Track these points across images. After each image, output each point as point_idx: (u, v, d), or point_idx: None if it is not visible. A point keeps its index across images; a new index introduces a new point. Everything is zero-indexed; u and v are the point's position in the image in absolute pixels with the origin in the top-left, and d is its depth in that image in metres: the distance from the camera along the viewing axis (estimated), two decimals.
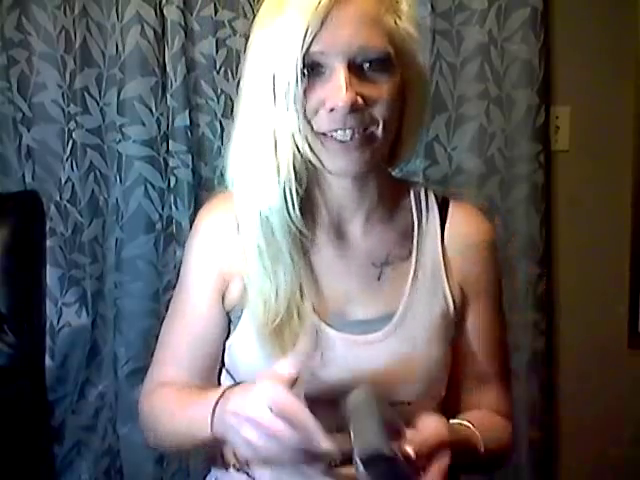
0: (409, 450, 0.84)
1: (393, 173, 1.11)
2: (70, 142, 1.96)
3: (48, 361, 1.85)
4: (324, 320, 1.01)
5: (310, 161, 0.96)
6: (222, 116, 1.98)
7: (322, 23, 0.90)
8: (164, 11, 1.92)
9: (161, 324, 1.13)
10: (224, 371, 1.09)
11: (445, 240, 1.06)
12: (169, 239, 1.99)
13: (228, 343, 1.05)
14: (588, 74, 2.07)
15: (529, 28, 1.99)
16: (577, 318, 2.15)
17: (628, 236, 2.11)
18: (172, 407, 1.03)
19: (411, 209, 1.07)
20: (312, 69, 0.92)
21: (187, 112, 1.95)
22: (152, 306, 1.96)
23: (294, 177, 0.96)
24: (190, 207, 1.97)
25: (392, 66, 0.94)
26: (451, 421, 1.00)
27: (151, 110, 1.93)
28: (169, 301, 1.14)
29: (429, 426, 0.89)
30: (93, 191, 2.00)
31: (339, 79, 0.91)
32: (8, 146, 1.95)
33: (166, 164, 1.97)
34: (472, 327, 1.09)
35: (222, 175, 1.02)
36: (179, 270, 1.13)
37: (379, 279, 1.04)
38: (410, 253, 1.05)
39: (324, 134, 0.94)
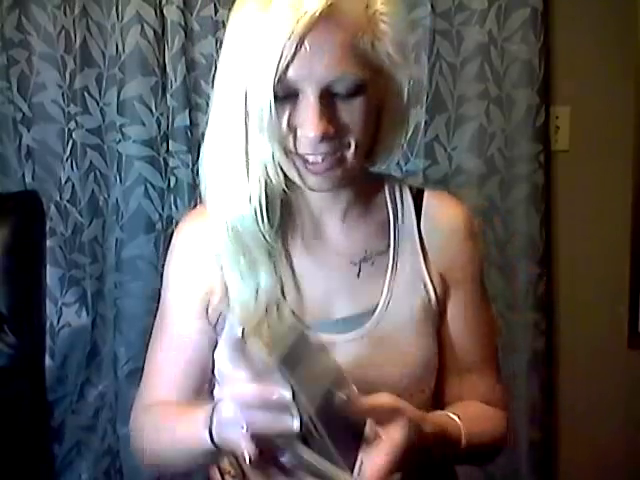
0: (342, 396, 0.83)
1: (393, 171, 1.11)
2: (70, 142, 1.96)
3: (48, 361, 1.86)
4: (303, 322, 1.01)
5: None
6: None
7: (296, 50, 0.88)
8: (164, 11, 1.92)
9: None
10: (216, 384, 1.09)
11: (422, 230, 1.06)
12: (169, 239, 1.98)
13: (216, 355, 1.05)
14: (588, 74, 2.07)
15: (529, 28, 1.99)
16: (577, 318, 2.15)
17: (628, 236, 2.11)
18: (162, 424, 1.02)
19: (386, 203, 1.07)
20: (285, 94, 0.91)
21: (187, 112, 1.95)
22: (152, 306, 1.93)
23: (264, 188, 0.96)
24: (190, 207, 1.96)
25: (366, 89, 0.92)
26: (437, 412, 1.00)
27: (151, 110, 1.94)
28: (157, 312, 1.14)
29: (383, 394, 0.88)
30: (93, 191, 2.00)
31: (311, 109, 0.90)
32: (8, 146, 1.95)
33: (166, 164, 1.97)
34: (455, 315, 1.08)
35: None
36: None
37: (359, 276, 1.04)
38: (388, 247, 1.05)
39: (296, 154, 0.94)
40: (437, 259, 1.06)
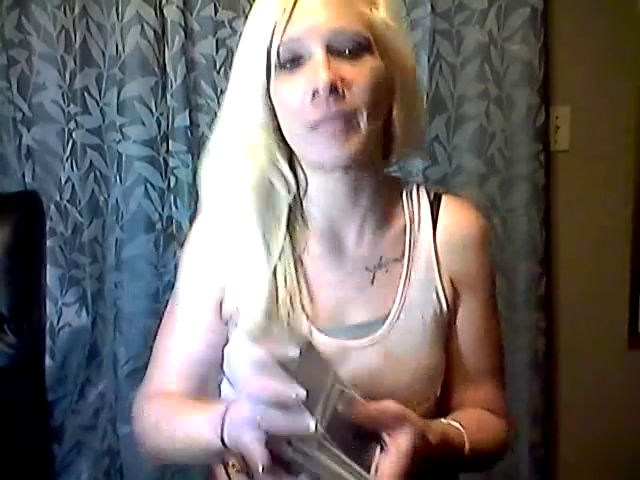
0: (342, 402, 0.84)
1: (391, 171, 1.11)
2: (70, 142, 1.96)
3: (48, 361, 1.85)
4: (317, 327, 1.01)
5: (303, 170, 0.98)
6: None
7: (292, 12, 0.91)
8: (164, 11, 1.92)
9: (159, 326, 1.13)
10: (224, 380, 1.09)
11: (437, 236, 1.06)
12: (169, 239, 1.99)
13: (226, 351, 1.05)
14: (588, 74, 2.07)
15: (529, 28, 1.99)
16: (577, 318, 2.15)
17: (628, 236, 2.11)
18: (172, 416, 1.02)
19: (403, 209, 1.07)
20: (292, 62, 0.93)
21: (187, 112, 1.95)
22: (152, 306, 1.96)
23: (263, 198, 0.98)
24: (190, 207, 1.97)
25: (371, 51, 0.94)
26: (440, 420, 1.00)
27: (151, 110, 1.93)
28: (169, 302, 1.14)
29: (389, 402, 0.88)
30: (93, 191, 2.00)
31: (318, 61, 0.92)
32: (8, 146, 1.95)
33: (166, 164, 1.97)
34: (463, 323, 1.08)
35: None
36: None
37: (372, 283, 1.04)
38: (403, 255, 1.05)
39: (310, 127, 0.94)
40: (450, 269, 1.06)
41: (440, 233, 1.06)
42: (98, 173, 1.99)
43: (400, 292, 1.03)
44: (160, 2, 1.91)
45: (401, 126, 1.00)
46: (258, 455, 0.82)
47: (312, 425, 0.80)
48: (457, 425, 0.99)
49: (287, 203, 1.00)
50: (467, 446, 0.98)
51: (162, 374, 1.08)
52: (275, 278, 1.00)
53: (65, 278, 1.99)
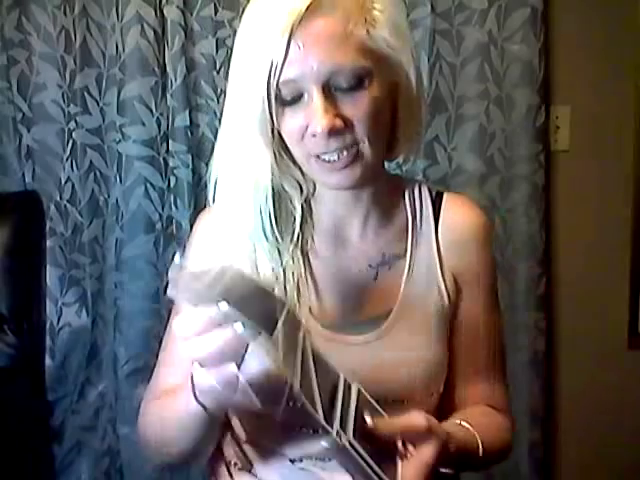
0: (367, 419, 0.83)
1: (392, 171, 1.11)
2: (70, 142, 1.96)
3: (48, 361, 1.86)
4: (321, 323, 1.02)
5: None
6: (222, 116, 1.99)
7: (288, 50, 0.88)
8: (164, 11, 1.92)
9: (162, 324, 1.13)
10: None
11: (439, 233, 1.07)
12: (169, 239, 1.99)
13: None
14: (588, 74, 2.07)
15: (529, 28, 1.99)
16: (577, 318, 2.15)
17: (628, 236, 2.11)
18: (164, 404, 1.02)
19: (406, 206, 1.08)
20: (292, 98, 0.92)
21: (187, 112, 1.95)
22: (152, 306, 1.96)
23: (272, 200, 0.98)
24: (190, 207, 1.97)
25: (370, 78, 0.92)
26: (449, 421, 1.01)
27: (151, 110, 1.93)
28: (169, 301, 1.14)
29: (414, 414, 0.88)
30: (93, 191, 2.00)
31: (315, 105, 0.90)
32: (8, 146, 1.95)
33: (166, 164, 1.97)
34: (465, 319, 1.08)
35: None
36: None
37: (376, 279, 1.05)
38: (405, 251, 1.06)
39: (312, 157, 0.95)
40: (452, 265, 1.06)
41: (442, 230, 1.07)
42: (98, 173, 2.00)
43: (402, 288, 1.04)
44: (160, 2, 1.91)
45: (404, 128, 1.00)
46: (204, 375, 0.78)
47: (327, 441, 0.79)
48: (470, 428, 1.00)
49: (300, 203, 1.01)
50: (480, 449, 0.99)
51: (166, 374, 1.08)
52: (284, 275, 1.01)
53: (65, 278, 1.99)
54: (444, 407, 1.08)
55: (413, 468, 0.85)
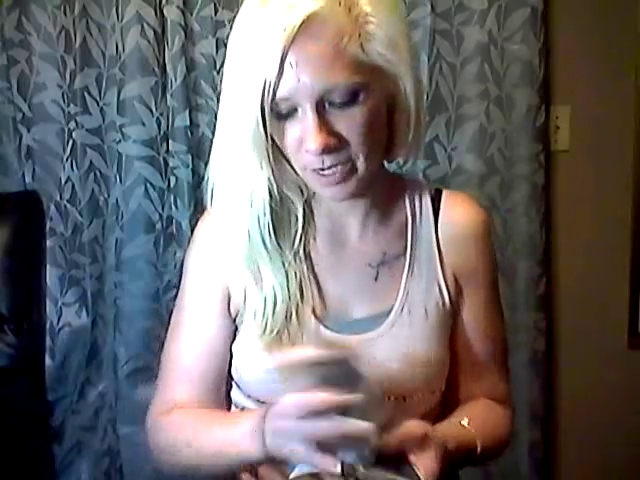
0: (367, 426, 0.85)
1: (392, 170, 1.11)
2: (70, 142, 1.96)
3: (48, 361, 1.85)
4: (323, 323, 1.02)
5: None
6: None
7: (281, 68, 0.88)
8: (164, 11, 1.92)
9: (162, 324, 1.13)
10: (234, 386, 1.09)
11: (439, 231, 1.07)
12: (169, 239, 1.99)
13: (234, 348, 1.06)
14: (588, 74, 2.07)
15: (529, 28, 1.99)
16: (577, 318, 2.15)
17: (628, 236, 2.11)
18: (195, 428, 1.02)
19: (405, 205, 1.08)
20: (287, 113, 0.92)
21: (187, 112, 1.95)
22: (152, 306, 1.96)
23: (270, 207, 0.98)
24: (190, 207, 1.97)
25: (366, 92, 0.91)
26: (449, 420, 1.02)
27: (151, 110, 1.93)
28: (169, 301, 1.14)
29: (411, 423, 0.91)
30: (93, 191, 2.00)
31: (309, 123, 0.90)
32: (8, 146, 1.95)
33: (166, 164, 1.97)
34: (467, 316, 1.09)
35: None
36: (179, 271, 1.14)
37: (376, 279, 1.05)
38: (405, 249, 1.06)
39: (307, 170, 0.95)
40: (453, 262, 1.07)
41: (442, 227, 1.07)
42: (98, 173, 1.99)
43: (403, 286, 1.05)
44: (160, 2, 1.91)
45: (402, 130, 1.00)
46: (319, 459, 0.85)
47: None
48: (468, 426, 1.01)
49: (302, 206, 1.01)
50: (479, 446, 1.00)
51: (175, 382, 1.07)
52: (286, 273, 1.01)
53: (65, 278, 1.99)
54: (447, 402, 1.09)
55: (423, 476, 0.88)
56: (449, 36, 2.00)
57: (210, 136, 1.99)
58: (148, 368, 1.85)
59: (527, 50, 1.99)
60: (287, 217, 1.01)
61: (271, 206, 0.98)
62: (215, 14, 1.95)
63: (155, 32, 1.91)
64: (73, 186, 1.98)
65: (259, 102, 0.89)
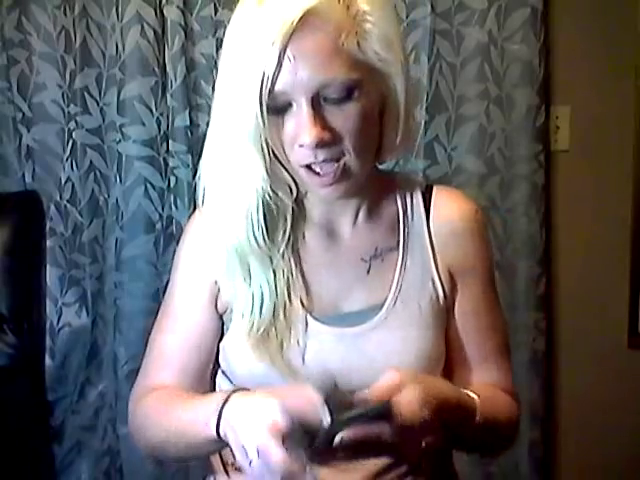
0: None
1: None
2: (70, 142, 1.96)
3: (48, 361, 1.86)
4: (313, 315, 1.03)
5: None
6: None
7: (279, 62, 0.89)
8: (164, 11, 1.92)
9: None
10: (219, 373, 1.10)
11: (431, 226, 1.08)
12: (169, 239, 1.99)
13: (222, 344, 1.07)
14: (588, 74, 2.07)
15: (529, 28, 1.99)
16: (577, 318, 2.15)
17: (628, 236, 2.11)
18: (166, 407, 1.03)
19: (396, 200, 1.08)
20: (281, 108, 0.92)
21: (187, 112, 1.95)
22: (152, 306, 1.95)
23: (262, 198, 0.98)
24: (190, 207, 1.97)
25: (360, 89, 0.92)
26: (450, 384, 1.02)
27: (151, 110, 1.94)
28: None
29: (387, 374, 0.90)
30: (93, 191, 2.00)
31: (304, 117, 0.91)
32: (8, 146, 1.95)
33: (166, 164, 1.97)
34: (463, 310, 1.09)
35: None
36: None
37: (368, 272, 1.05)
38: (398, 243, 1.06)
39: (300, 167, 0.96)
40: (446, 255, 1.07)
41: (433, 222, 1.08)
42: (98, 173, 2.00)
43: (396, 280, 1.05)
44: (160, 2, 1.91)
45: (390, 130, 1.00)
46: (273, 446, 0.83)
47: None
48: (469, 392, 1.00)
49: (291, 204, 1.01)
50: (479, 411, 0.99)
51: (157, 369, 1.09)
52: (274, 271, 1.02)
53: (65, 278, 1.99)
54: None
55: (404, 406, 0.86)
56: (449, 36, 2.00)
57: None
58: None
59: (527, 50, 1.99)
60: (276, 214, 1.01)
61: (263, 203, 0.98)
62: (215, 14, 1.95)
63: (155, 32, 1.91)
64: (73, 186, 1.98)
65: (257, 96, 0.90)
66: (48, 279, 1.77)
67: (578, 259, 2.13)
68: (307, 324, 1.02)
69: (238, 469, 1.04)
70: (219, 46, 1.94)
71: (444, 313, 1.07)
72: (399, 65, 0.96)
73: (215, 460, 1.09)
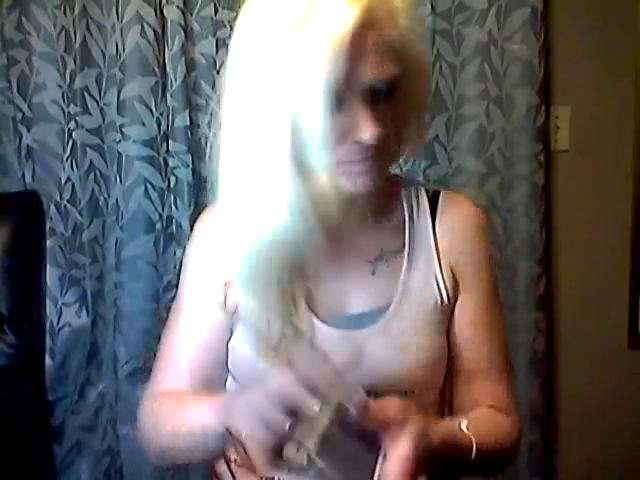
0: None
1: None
2: (70, 142, 1.96)
3: (48, 361, 1.85)
4: (318, 317, 1.03)
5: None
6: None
7: (340, 63, 0.87)
8: (164, 11, 1.92)
9: (162, 324, 1.13)
10: (229, 378, 1.10)
11: (436, 230, 1.08)
12: (169, 239, 1.99)
13: (230, 344, 1.07)
14: (588, 74, 2.07)
15: (529, 28, 1.99)
16: (577, 318, 2.15)
17: (628, 236, 2.11)
18: (173, 408, 1.03)
19: (402, 203, 1.09)
20: (337, 102, 0.91)
21: (187, 112, 1.95)
22: (152, 306, 1.96)
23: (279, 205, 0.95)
24: (190, 207, 1.97)
25: (399, 85, 0.94)
26: (447, 421, 1.00)
27: (151, 110, 1.93)
28: (169, 301, 1.15)
29: (391, 399, 0.87)
30: (93, 191, 1.99)
31: (364, 115, 0.90)
32: (8, 146, 1.95)
33: (166, 164, 1.97)
34: (466, 316, 1.09)
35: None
36: (179, 271, 1.14)
37: (373, 274, 1.06)
38: (403, 246, 1.07)
39: (346, 161, 0.93)
40: (450, 259, 1.08)
41: (439, 226, 1.08)
42: (98, 173, 1.99)
43: (401, 282, 1.05)
44: (160, 2, 1.91)
45: (413, 124, 1.01)
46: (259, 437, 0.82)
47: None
48: (464, 427, 0.98)
49: (299, 204, 0.99)
50: (474, 449, 0.97)
51: (167, 372, 1.09)
52: (277, 283, 1.01)
53: (65, 278, 1.99)
54: (450, 407, 1.08)
55: (391, 463, 0.83)
56: (449, 36, 2.00)
57: (210, 136, 1.98)
58: (148, 368, 1.84)
59: (527, 50, 2.00)
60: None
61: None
62: (215, 14, 1.95)
63: (155, 32, 1.91)
64: (73, 186, 1.97)
65: (321, 95, 0.87)
66: (48, 279, 1.77)
67: (578, 259, 2.14)
68: (313, 325, 1.02)
69: (241, 465, 1.04)
70: (219, 46, 1.94)
71: (448, 316, 1.07)
72: (427, 61, 0.98)
73: (217, 461, 1.09)
